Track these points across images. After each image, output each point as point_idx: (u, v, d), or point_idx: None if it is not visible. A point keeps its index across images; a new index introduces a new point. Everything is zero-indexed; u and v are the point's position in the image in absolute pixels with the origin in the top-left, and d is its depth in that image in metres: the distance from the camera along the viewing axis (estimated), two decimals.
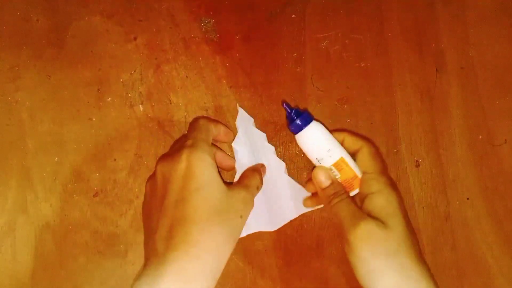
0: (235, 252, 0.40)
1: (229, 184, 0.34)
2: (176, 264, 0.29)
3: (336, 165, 0.36)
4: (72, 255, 0.39)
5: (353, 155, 0.37)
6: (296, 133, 0.37)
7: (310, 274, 0.40)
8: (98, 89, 0.41)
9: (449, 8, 0.43)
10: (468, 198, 0.41)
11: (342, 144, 0.37)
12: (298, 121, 0.36)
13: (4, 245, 0.39)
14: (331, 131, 0.37)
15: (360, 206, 0.35)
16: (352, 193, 0.36)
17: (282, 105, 0.38)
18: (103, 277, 0.39)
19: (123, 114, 0.41)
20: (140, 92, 0.41)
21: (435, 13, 0.43)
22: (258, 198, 0.37)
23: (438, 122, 0.42)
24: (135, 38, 0.42)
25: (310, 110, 0.41)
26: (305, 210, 0.40)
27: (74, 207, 0.40)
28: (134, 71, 0.41)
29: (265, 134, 0.41)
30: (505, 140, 0.41)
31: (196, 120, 0.38)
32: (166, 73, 0.42)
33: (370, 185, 0.35)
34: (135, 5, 0.42)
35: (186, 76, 0.42)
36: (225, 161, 0.39)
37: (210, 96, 0.41)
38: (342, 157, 0.36)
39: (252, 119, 0.41)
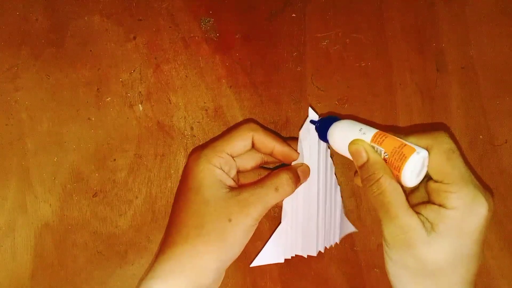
0: None
1: (242, 186, 0.33)
2: (156, 266, 0.31)
3: (374, 139, 0.29)
4: (71, 255, 0.39)
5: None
6: (326, 138, 0.33)
7: (310, 274, 0.40)
8: (98, 89, 0.41)
9: (449, 7, 0.43)
10: None
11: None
12: (322, 127, 0.34)
13: (3, 245, 0.39)
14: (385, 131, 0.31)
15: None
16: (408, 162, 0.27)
17: (311, 123, 0.36)
18: (103, 277, 0.39)
19: (123, 114, 0.41)
20: (140, 92, 0.41)
21: (435, 13, 0.43)
22: (302, 215, 0.36)
23: (438, 122, 0.42)
24: (134, 38, 0.42)
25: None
26: (347, 232, 0.40)
27: (73, 207, 0.40)
28: (134, 71, 0.41)
29: (329, 150, 0.38)
30: (506, 140, 0.41)
31: (238, 126, 0.35)
32: (165, 73, 0.41)
33: (444, 199, 0.27)
34: (134, 4, 0.42)
35: (186, 76, 0.41)
36: (283, 151, 0.35)
37: (210, 96, 0.41)
38: (378, 131, 0.30)
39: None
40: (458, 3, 0.43)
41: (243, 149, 0.34)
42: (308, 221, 0.36)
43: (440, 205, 0.27)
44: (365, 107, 0.42)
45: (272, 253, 0.35)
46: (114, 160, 0.40)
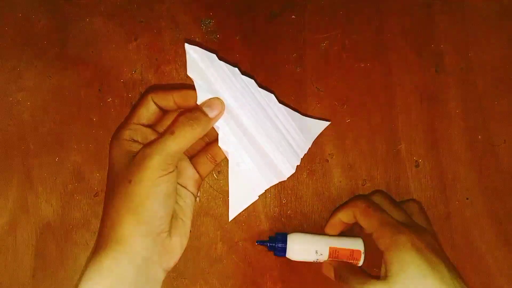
0: (235, 252, 0.40)
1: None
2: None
3: (331, 256, 0.38)
4: (72, 255, 0.39)
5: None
6: (284, 255, 0.38)
7: (310, 274, 0.40)
8: (99, 90, 0.41)
9: (448, 9, 0.43)
10: (467, 198, 0.41)
11: (347, 224, 0.38)
12: (278, 246, 0.38)
13: (5, 244, 0.39)
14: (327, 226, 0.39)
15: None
16: (359, 264, 0.38)
17: (257, 243, 0.40)
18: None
19: (124, 114, 0.41)
20: (141, 92, 0.41)
21: (434, 14, 0.43)
22: (256, 143, 0.34)
23: (437, 123, 0.42)
24: (135, 39, 0.42)
25: (310, 110, 0.42)
26: (320, 129, 0.39)
27: (74, 207, 0.40)
28: (135, 72, 0.42)
29: (236, 68, 0.34)
30: (504, 140, 0.42)
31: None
32: (166, 74, 0.42)
33: (379, 244, 0.34)
34: (135, 6, 0.42)
35: (187, 77, 0.41)
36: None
37: None
38: (330, 247, 0.38)
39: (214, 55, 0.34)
40: (456, 4, 0.43)
41: (149, 113, 0.34)
42: (257, 147, 0.34)
43: (382, 250, 0.33)
44: (364, 107, 0.42)
45: (241, 198, 0.34)
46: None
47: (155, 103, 0.34)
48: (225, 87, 0.33)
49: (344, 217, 0.38)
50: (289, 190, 0.41)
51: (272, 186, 0.40)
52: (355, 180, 0.41)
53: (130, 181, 0.30)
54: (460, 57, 0.43)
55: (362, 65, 0.42)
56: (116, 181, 0.31)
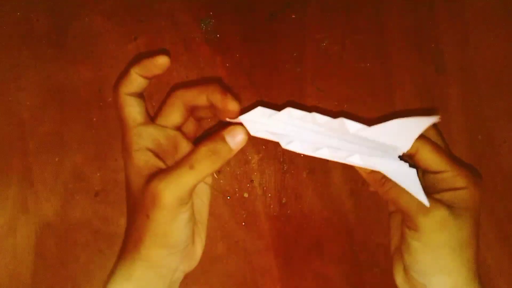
0: (235, 252, 0.40)
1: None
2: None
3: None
4: (73, 254, 0.39)
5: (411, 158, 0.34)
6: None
7: (310, 274, 0.40)
8: (99, 89, 0.41)
9: (448, 8, 0.43)
10: None
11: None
12: None
13: (4, 244, 0.39)
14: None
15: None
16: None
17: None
18: (104, 277, 0.39)
19: None
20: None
21: (434, 13, 0.43)
22: None
23: (437, 123, 0.42)
24: (135, 39, 0.42)
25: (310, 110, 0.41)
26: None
27: (75, 206, 0.40)
28: None
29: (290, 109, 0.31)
30: (504, 140, 0.42)
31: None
32: (166, 74, 0.41)
33: (451, 183, 0.32)
34: (135, 5, 0.42)
35: (186, 77, 0.42)
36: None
37: None
38: None
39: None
40: (457, 3, 0.43)
41: (177, 116, 0.32)
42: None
43: (452, 189, 0.32)
44: (364, 107, 0.42)
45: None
46: (116, 160, 0.40)
47: (131, 94, 0.32)
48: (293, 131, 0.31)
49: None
50: (289, 189, 0.41)
51: (272, 185, 0.41)
52: (355, 180, 0.41)
53: (148, 216, 0.29)
54: (461, 57, 0.43)
55: (362, 65, 0.42)
56: (134, 207, 0.31)
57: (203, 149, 0.29)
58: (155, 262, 0.30)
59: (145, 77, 0.32)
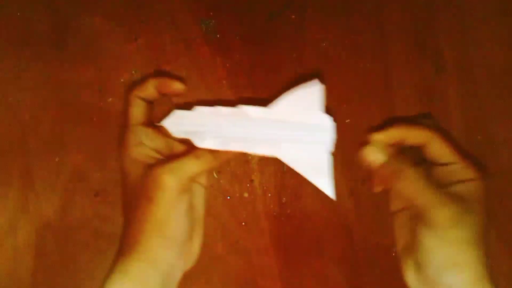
0: (235, 252, 0.40)
1: None
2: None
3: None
4: (73, 254, 0.39)
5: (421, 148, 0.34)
6: None
7: (310, 274, 0.40)
8: (99, 90, 0.41)
9: (448, 8, 0.43)
10: None
11: (403, 142, 0.34)
12: None
13: (4, 244, 0.39)
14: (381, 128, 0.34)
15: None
16: None
17: None
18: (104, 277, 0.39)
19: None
20: None
21: (434, 13, 0.43)
22: None
23: (438, 123, 0.42)
24: (136, 39, 0.42)
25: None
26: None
27: (75, 206, 0.40)
28: (135, 72, 0.42)
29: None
30: (505, 140, 0.42)
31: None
32: (166, 74, 0.42)
33: (461, 174, 0.32)
34: (136, 6, 0.42)
35: (187, 77, 0.42)
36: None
37: (210, 97, 0.41)
38: None
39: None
40: (457, 3, 0.43)
41: (140, 110, 0.35)
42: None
43: (461, 181, 0.32)
44: (363, 107, 0.42)
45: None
46: (116, 160, 0.40)
47: (142, 98, 0.36)
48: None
49: (411, 136, 0.33)
50: (289, 189, 0.41)
51: (272, 185, 0.41)
52: (355, 179, 0.41)
53: (150, 200, 0.30)
54: (460, 57, 0.43)
55: (362, 65, 0.42)
56: (135, 195, 0.32)
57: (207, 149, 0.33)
58: (153, 256, 0.31)
59: (158, 91, 0.36)
